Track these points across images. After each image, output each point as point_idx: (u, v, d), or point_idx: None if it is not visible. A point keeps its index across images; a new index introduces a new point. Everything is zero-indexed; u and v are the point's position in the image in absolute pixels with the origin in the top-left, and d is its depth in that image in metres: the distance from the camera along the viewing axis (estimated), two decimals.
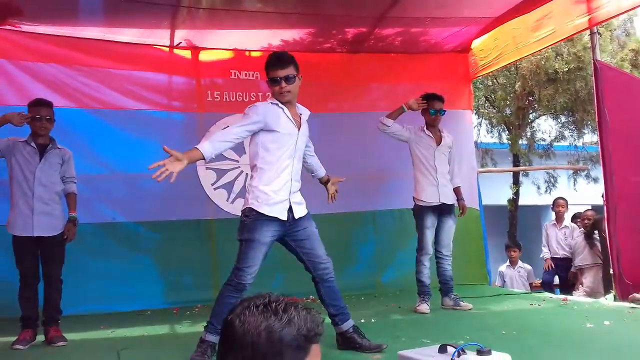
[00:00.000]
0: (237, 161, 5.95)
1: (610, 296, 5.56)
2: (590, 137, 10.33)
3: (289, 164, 3.41)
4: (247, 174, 5.92)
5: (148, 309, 5.33)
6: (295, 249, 3.46)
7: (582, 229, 7.17)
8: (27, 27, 5.24)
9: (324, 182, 3.91)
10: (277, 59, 3.38)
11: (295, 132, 3.44)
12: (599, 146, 5.23)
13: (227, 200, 5.89)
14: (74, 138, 5.00)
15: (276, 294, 1.23)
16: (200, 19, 5.43)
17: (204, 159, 3.22)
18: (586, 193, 10.62)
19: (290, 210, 3.38)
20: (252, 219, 3.31)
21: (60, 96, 5.28)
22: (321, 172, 3.89)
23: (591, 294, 6.84)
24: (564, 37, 5.72)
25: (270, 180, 3.34)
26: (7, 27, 5.18)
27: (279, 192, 3.35)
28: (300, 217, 3.43)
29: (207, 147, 3.20)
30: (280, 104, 3.41)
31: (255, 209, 3.30)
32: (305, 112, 3.56)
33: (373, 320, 4.42)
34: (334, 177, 3.93)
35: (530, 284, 7.79)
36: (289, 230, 3.41)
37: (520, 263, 7.91)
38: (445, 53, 6.59)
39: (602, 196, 5.37)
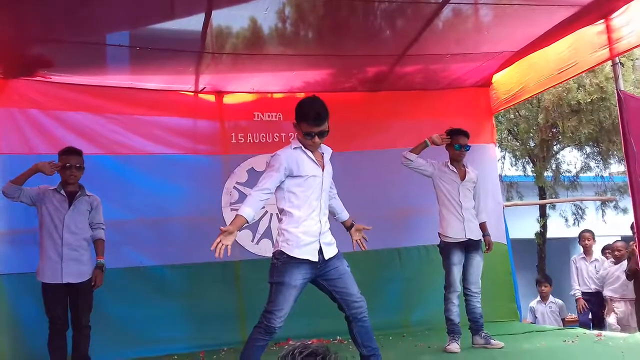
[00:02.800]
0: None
1: None
2: (617, 167, 10.18)
3: (317, 206, 3.43)
4: (271, 214, 5.95)
5: (175, 353, 5.32)
6: (328, 288, 3.44)
7: (613, 260, 7.03)
8: (56, 78, 5.38)
9: (348, 227, 3.84)
10: (316, 116, 3.40)
11: (320, 173, 3.46)
12: (627, 176, 5.15)
13: (252, 241, 5.90)
14: (102, 184, 5.08)
15: (314, 342, 1.22)
16: (224, 64, 5.53)
17: (247, 222, 3.32)
18: (615, 224, 10.41)
19: (320, 251, 3.38)
20: (282, 261, 3.32)
21: (89, 143, 5.39)
22: (344, 215, 3.83)
23: (622, 324, 6.67)
24: (586, 68, 5.70)
25: (299, 222, 3.36)
26: (38, 78, 5.34)
27: (308, 234, 3.36)
28: (330, 258, 3.43)
29: (248, 211, 3.30)
30: (302, 148, 3.45)
31: (286, 252, 3.32)
32: (327, 151, 3.59)
33: None
34: (358, 224, 3.83)
35: (563, 319, 7.61)
36: (320, 272, 3.40)
37: (551, 298, 7.75)
38: (466, 88, 6.60)
39: (632, 227, 5.27)
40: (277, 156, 3.42)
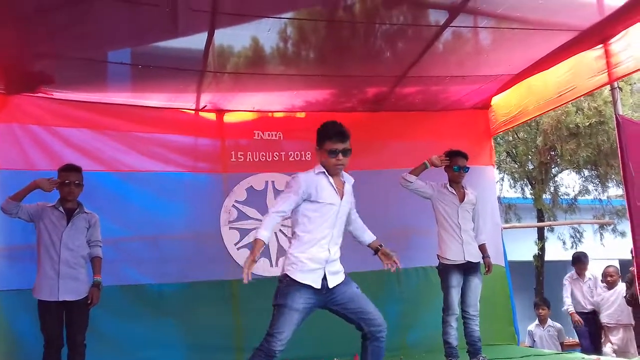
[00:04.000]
0: (261, 220, 5.93)
1: None
2: (615, 191, 10.20)
3: (328, 234, 3.42)
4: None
5: None
6: (341, 312, 3.44)
7: (606, 285, 7.01)
8: (58, 94, 5.40)
9: (374, 250, 3.76)
10: (339, 133, 3.42)
11: (338, 201, 3.45)
12: (626, 200, 5.16)
13: None
14: (101, 201, 5.10)
15: None
16: (225, 83, 5.56)
17: (265, 244, 3.35)
18: (614, 247, 10.41)
19: (324, 279, 3.37)
20: (285, 284, 3.32)
21: (90, 160, 5.39)
22: (366, 237, 3.77)
23: (619, 352, 6.63)
24: (584, 92, 5.74)
25: (307, 248, 3.36)
26: (40, 94, 5.36)
27: (313, 260, 3.35)
28: (336, 285, 3.41)
29: (265, 234, 3.32)
30: (324, 174, 3.45)
31: (289, 275, 3.32)
32: (349, 181, 3.58)
33: None
34: (384, 249, 3.74)
35: (562, 343, 7.56)
36: (327, 299, 3.39)
37: (549, 322, 7.71)
38: (465, 110, 6.63)
39: (631, 252, 5.26)
40: (297, 178, 3.42)
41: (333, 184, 3.45)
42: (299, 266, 3.32)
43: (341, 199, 3.47)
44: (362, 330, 3.43)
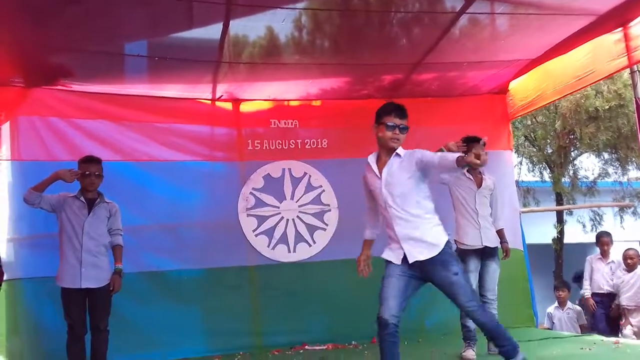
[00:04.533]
0: (278, 207, 6.03)
1: None
2: (636, 173, 10.09)
3: (387, 216, 3.51)
4: (287, 219, 6.00)
5: (191, 357, 5.37)
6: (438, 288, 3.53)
7: (626, 267, 6.97)
8: (77, 87, 5.48)
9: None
10: (398, 108, 3.55)
11: (378, 184, 3.53)
12: None
13: (268, 247, 5.94)
14: (121, 190, 5.16)
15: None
16: (241, 73, 5.58)
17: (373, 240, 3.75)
18: (634, 230, 10.32)
19: (404, 256, 3.44)
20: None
21: (109, 150, 5.48)
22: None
23: (639, 334, 6.61)
24: (603, 76, 5.68)
25: (382, 226, 3.64)
26: (59, 87, 5.44)
27: (391, 238, 3.52)
28: (423, 262, 3.41)
29: (369, 233, 3.76)
30: (370, 159, 3.60)
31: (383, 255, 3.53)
32: (400, 153, 3.55)
33: None
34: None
35: (581, 326, 7.54)
36: (423, 274, 3.45)
37: (569, 304, 7.68)
38: (482, 95, 6.58)
39: None
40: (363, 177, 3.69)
41: (374, 166, 3.57)
42: (386, 243, 3.56)
43: (380, 178, 3.51)
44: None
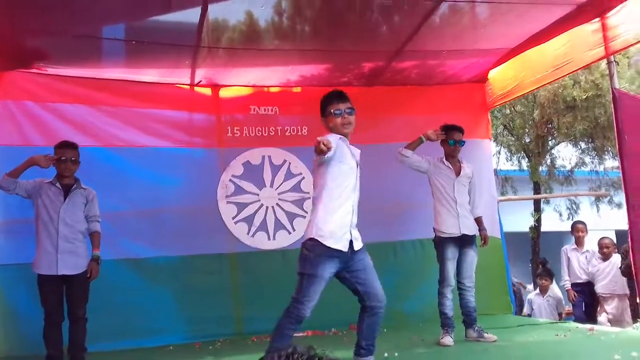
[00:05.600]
0: (257, 194, 6.01)
1: (638, 325, 5.46)
2: (612, 163, 10.23)
3: (351, 196, 3.49)
4: (267, 207, 5.98)
5: (171, 344, 5.35)
6: (350, 279, 3.49)
7: (601, 256, 7.08)
8: (52, 70, 5.39)
9: None
10: (339, 94, 3.57)
11: (355, 165, 3.54)
12: (621, 173, 5.19)
13: (248, 234, 5.93)
14: (98, 176, 5.08)
15: (304, 346, 1.25)
16: (220, 58, 5.53)
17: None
18: (610, 219, 10.49)
19: (350, 243, 3.44)
20: (316, 253, 3.36)
21: (85, 136, 5.40)
22: None
23: (614, 321, 6.73)
24: (581, 66, 5.73)
25: (335, 213, 3.42)
26: (34, 70, 5.34)
27: (343, 226, 3.42)
28: (357, 250, 3.48)
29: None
30: (341, 138, 3.51)
31: (321, 241, 3.36)
32: (356, 152, 3.62)
33: (396, 354, 4.37)
34: None
35: (560, 314, 7.67)
36: (347, 264, 3.45)
37: (550, 292, 7.81)
38: (462, 83, 6.62)
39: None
40: (329, 136, 3.42)
41: (350, 148, 3.54)
42: (329, 232, 3.38)
43: (357, 165, 3.56)
44: (364, 303, 3.50)
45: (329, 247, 3.36)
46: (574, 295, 7.19)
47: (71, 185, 4.40)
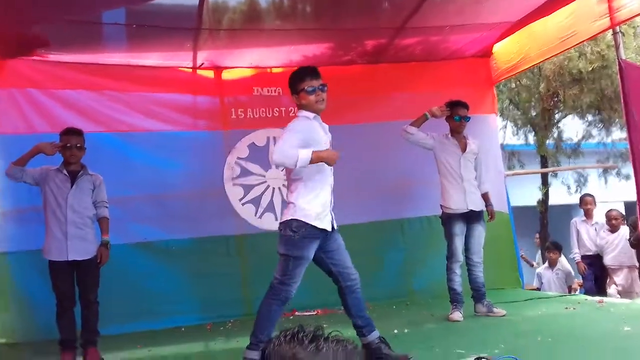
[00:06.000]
0: (264, 176, 6.02)
1: None
2: (619, 134, 10.15)
3: (329, 175, 3.50)
4: (273, 188, 5.99)
5: (182, 325, 5.41)
6: (325, 260, 3.50)
7: (610, 228, 7.07)
8: (53, 57, 5.38)
9: None
10: (312, 70, 3.49)
11: (329, 144, 3.51)
12: (629, 145, 5.15)
13: (255, 215, 5.95)
14: (105, 161, 5.10)
15: (310, 325, 1.25)
16: (222, 40, 5.50)
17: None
18: (618, 190, 10.44)
19: (332, 221, 3.47)
20: (301, 234, 3.34)
21: (89, 121, 5.39)
22: None
23: (624, 293, 6.74)
24: (586, 37, 5.65)
25: (317, 193, 3.42)
26: (36, 57, 5.33)
27: (325, 205, 3.43)
28: (332, 231, 3.49)
29: (303, 151, 3.29)
30: (315, 117, 3.49)
31: (307, 221, 3.34)
32: (325, 127, 3.63)
33: (406, 331, 4.42)
34: None
35: (569, 287, 7.68)
36: (322, 244, 3.45)
37: (559, 265, 7.81)
38: (466, 59, 6.56)
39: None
40: (298, 122, 3.45)
41: (323, 127, 3.52)
42: (314, 213, 3.36)
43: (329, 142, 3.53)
44: (340, 284, 3.51)
45: (315, 227, 3.36)
46: (584, 267, 7.19)
47: (78, 172, 4.41)
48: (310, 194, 3.40)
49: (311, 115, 3.49)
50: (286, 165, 3.36)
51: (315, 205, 3.38)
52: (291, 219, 3.37)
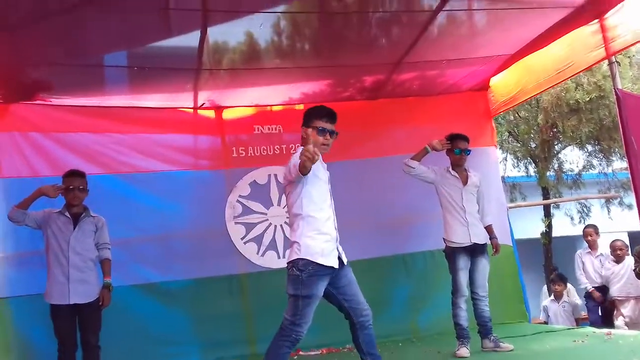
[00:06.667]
0: (265, 214, 6.01)
1: None
2: (620, 164, 10.17)
3: (332, 213, 3.47)
4: (275, 226, 5.97)
5: None
6: (337, 296, 3.43)
7: (615, 259, 7.02)
8: (56, 100, 5.43)
9: None
10: (331, 113, 3.48)
11: (327, 179, 3.51)
12: (630, 174, 5.15)
13: (257, 254, 5.92)
14: (106, 203, 5.09)
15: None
16: (222, 79, 5.57)
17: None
18: (621, 220, 10.40)
19: (339, 257, 3.41)
20: (308, 273, 3.28)
21: (92, 164, 5.42)
22: None
23: (631, 324, 6.65)
24: (583, 68, 5.72)
25: (319, 228, 3.36)
26: (38, 101, 5.39)
27: (329, 241, 3.38)
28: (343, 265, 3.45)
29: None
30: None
31: (313, 260, 3.29)
32: (323, 164, 3.61)
33: None
34: None
35: (577, 319, 7.58)
36: (332, 280, 3.40)
37: (565, 297, 7.73)
38: (464, 92, 6.62)
39: None
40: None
41: (322, 163, 3.50)
42: (319, 250, 3.31)
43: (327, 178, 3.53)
44: (352, 319, 3.44)
45: (322, 265, 3.30)
46: (600, 296, 7.10)
47: (80, 214, 4.42)
48: (312, 230, 3.35)
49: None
50: (291, 172, 3.31)
51: (319, 242, 3.33)
52: (297, 258, 3.32)
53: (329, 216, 3.44)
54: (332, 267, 3.33)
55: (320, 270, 3.30)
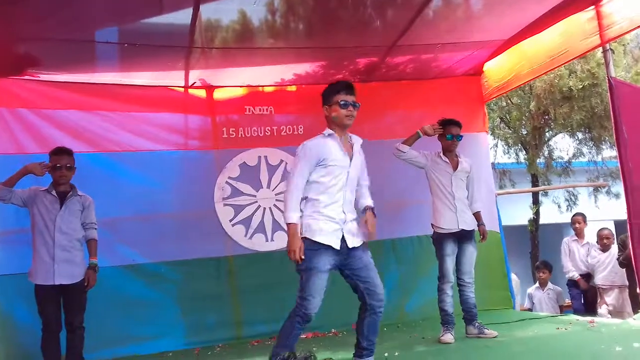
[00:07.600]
0: (255, 196, 5.97)
1: (638, 316, 5.44)
2: (610, 152, 10.21)
3: (341, 197, 3.47)
4: (264, 208, 5.94)
5: (170, 350, 5.32)
6: (353, 278, 3.49)
7: (601, 247, 7.07)
8: (45, 76, 5.34)
9: (364, 209, 3.66)
10: (349, 85, 3.54)
11: (347, 163, 3.51)
12: (619, 163, 5.16)
13: (245, 236, 5.89)
14: (94, 182, 5.04)
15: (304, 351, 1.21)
16: (214, 59, 5.49)
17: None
18: (608, 209, 10.47)
19: (343, 239, 3.43)
20: (307, 247, 3.36)
21: (80, 141, 5.36)
22: (363, 201, 3.70)
23: (614, 313, 6.71)
24: (576, 55, 5.69)
25: (322, 212, 3.42)
26: (26, 77, 5.30)
27: (330, 222, 3.41)
28: (355, 247, 3.47)
29: (294, 215, 3.39)
30: (333, 135, 3.50)
31: (309, 237, 3.37)
32: (357, 141, 3.65)
33: (397, 353, 4.34)
34: (371, 214, 3.63)
35: (561, 306, 7.64)
36: (345, 261, 3.45)
37: (549, 285, 7.79)
38: (457, 77, 6.59)
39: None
40: (305, 146, 3.48)
41: (341, 146, 3.50)
42: (317, 229, 3.38)
43: (351, 160, 3.53)
44: (364, 301, 3.48)
45: (318, 242, 3.37)
46: (585, 284, 7.15)
47: (67, 193, 4.36)
48: (314, 212, 3.43)
49: (327, 132, 3.53)
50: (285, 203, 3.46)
51: (319, 222, 3.40)
52: (301, 237, 3.42)
53: (336, 200, 3.46)
54: (330, 246, 3.38)
55: (316, 246, 3.36)
